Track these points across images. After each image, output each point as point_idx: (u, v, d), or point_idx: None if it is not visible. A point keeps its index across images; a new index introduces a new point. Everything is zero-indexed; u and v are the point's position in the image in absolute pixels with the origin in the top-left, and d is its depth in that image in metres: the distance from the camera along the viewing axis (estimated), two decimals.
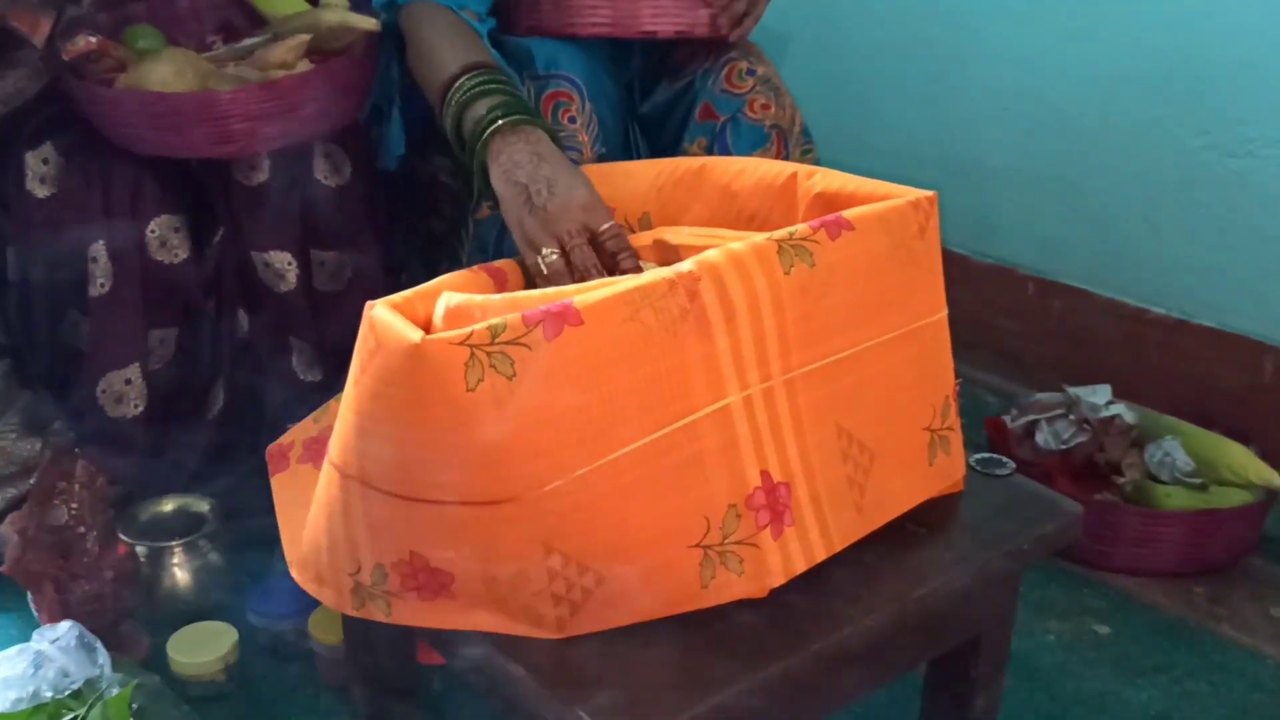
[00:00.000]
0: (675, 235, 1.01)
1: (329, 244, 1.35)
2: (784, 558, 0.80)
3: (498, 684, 0.80)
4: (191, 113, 1.20)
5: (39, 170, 1.26)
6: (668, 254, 0.99)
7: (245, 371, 1.37)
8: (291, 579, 0.88)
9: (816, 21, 2.10)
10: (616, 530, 0.77)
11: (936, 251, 0.93)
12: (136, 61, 1.24)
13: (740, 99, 1.37)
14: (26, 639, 1.04)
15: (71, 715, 0.97)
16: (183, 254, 1.30)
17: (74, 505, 1.14)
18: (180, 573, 1.27)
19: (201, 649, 1.16)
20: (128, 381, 1.30)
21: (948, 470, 0.95)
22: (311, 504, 0.86)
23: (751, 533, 0.79)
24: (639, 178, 1.10)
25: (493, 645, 0.80)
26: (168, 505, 1.32)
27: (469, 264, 1.24)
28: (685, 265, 0.78)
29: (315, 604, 1.01)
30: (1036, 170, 1.84)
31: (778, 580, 0.80)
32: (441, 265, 1.39)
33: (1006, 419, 1.60)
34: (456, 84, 1.12)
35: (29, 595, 1.18)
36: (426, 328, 0.76)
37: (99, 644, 1.03)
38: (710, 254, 0.79)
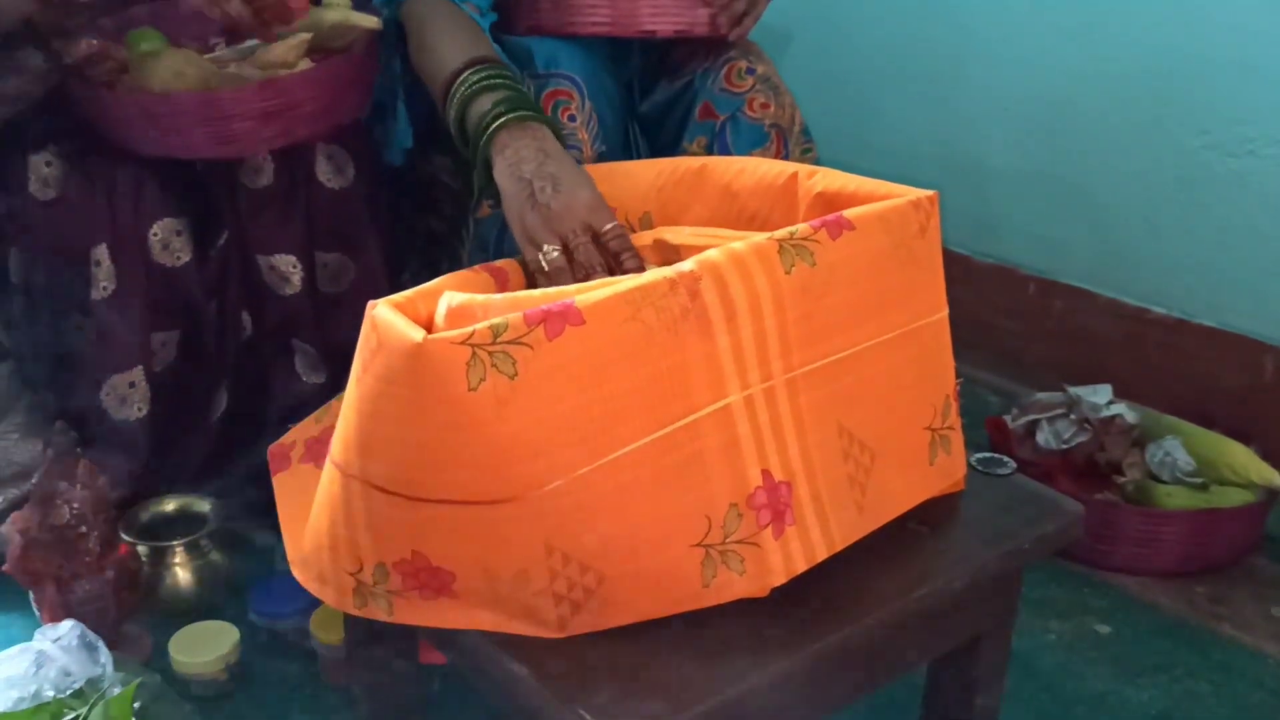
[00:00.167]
0: (676, 235, 1.01)
1: (332, 246, 1.35)
2: (785, 557, 0.81)
3: (499, 683, 0.80)
4: (192, 113, 1.19)
5: (42, 173, 1.26)
6: (668, 254, 1.00)
7: (248, 374, 1.37)
8: (293, 578, 0.88)
9: (816, 21, 2.10)
10: (618, 529, 0.77)
11: (937, 251, 0.93)
12: (138, 63, 1.24)
13: (740, 98, 1.37)
14: (28, 638, 1.04)
15: (73, 715, 0.97)
16: (185, 257, 1.29)
17: (75, 505, 1.15)
18: (182, 572, 1.27)
19: (203, 648, 1.16)
20: (131, 385, 1.30)
21: (948, 470, 0.95)
22: (313, 503, 0.86)
23: (753, 532, 0.79)
24: (639, 177, 1.10)
25: (494, 644, 0.80)
26: (169, 505, 1.32)
27: (470, 263, 1.24)
28: (686, 265, 0.78)
29: (317, 603, 1.01)
30: (1036, 170, 1.84)
31: (779, 579, 0.80)
32: (442, 265, 1.39)
33: (1007, 418, 1.60)
34: (460, 78, 1.12)
35: (31, 595, 1.18)
36: (428, 327, 0.77)
37: (101, 643, 1.03)
38: (711, 253, 0.79)
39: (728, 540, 0.78)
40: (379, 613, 0.83)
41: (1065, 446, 1.53)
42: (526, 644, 0.79)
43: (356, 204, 1.35)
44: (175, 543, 1.27)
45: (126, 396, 1.30)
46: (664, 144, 1.44)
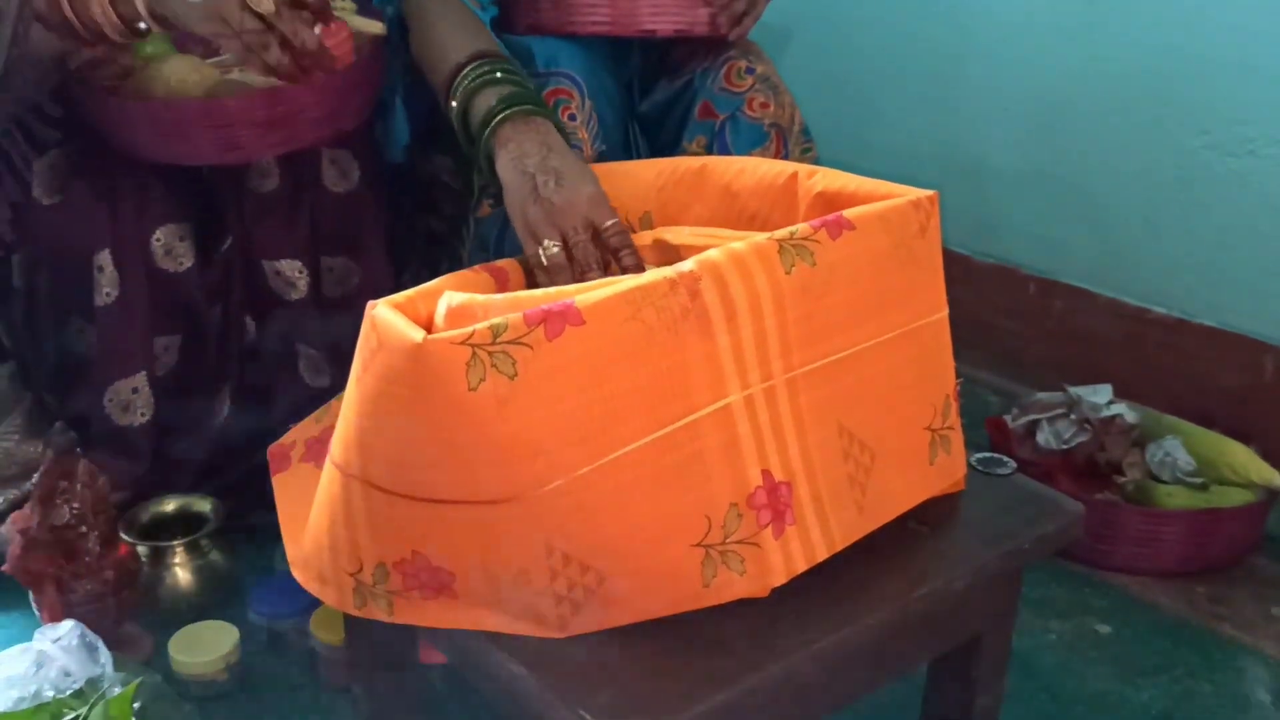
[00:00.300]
0: (676, 235, 1.01)
1: (337, 249, 1.35)
2: (785, 557, 0.81)
3: (499, 683, 0.80)
4: (196, 120, 1.19)
5: (45, 178, 1.26)
6: (668, 253, 1.00)
7: (251, 378, 1.37)
8: (293, 578, 0.88)
9: (816, 21, 2.10)
10: (618, 529, 0.77)
11: (937, 251, 0.93)
12: (142, 69, 1.23)
13: (739, 97, 1.37)
14: (28, 638, 1.04)
15: (73, 714, 0.97)
16: (187, 263, 1.29)
17: (76, 505, 1.14)
18: (182, 572, 1.27)
19: (203, 648, 1.16)
20: (134, 390, 1.30)
21: (949, 469, 0.95)
22: (313, 503, 0.86)
23: (753, 532, 0.79)
24: (639, 177, 1.10)
25: (494, 644, 0.80)
26: (169, 505, 1.32)
27: (470, 263, 1.24)
28: (686, 265, 0.78)
29: (317, 603, 1.01)
30: (1036, 170, 1.84)
31: (779, 579, 0.80)
32: (442, 264, 1.39)
33: (1007, 418, 1.60)
34: (463, 72, 1.12)
35: (30, 595, 1.18)
36: (428, 327, 0.77)
37: (101, 643, 1.03)
38: (711, 253, 0.79)
39: (728, 540, 0.78)
40: (379, 613, 0.83)
41: (1065, 446, 1.53)
42: (527, 644, 0.79)
43: (361, 207, 1.35)
44: (175, 543, 1.27)
45: (129, 402, 1.29)
46: (664, 143, 1.44)
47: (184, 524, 1.31)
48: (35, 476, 1.15)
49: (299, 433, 1.04)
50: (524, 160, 1.03)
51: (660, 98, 1.44)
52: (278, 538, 0.94)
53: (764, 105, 1.36)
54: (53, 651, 1.01)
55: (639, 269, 0.98)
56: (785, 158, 1.38)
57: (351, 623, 1.02)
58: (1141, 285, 1.74)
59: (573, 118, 1.30)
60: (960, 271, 1.79)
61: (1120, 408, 1.54)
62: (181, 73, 1.21)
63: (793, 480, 0.81)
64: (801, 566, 0.81)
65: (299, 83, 1.12)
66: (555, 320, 0.73)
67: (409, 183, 1.45)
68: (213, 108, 1.18)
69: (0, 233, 1.27)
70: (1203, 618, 1.36)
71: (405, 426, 0.76)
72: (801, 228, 0.84)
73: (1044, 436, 1.55)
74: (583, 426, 0.75)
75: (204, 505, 1.32)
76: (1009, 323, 1.91)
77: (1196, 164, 1.63)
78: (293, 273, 1.32)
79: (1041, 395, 1.61)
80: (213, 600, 1.27)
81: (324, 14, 1.06)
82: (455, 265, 1.27)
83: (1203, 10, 1.59)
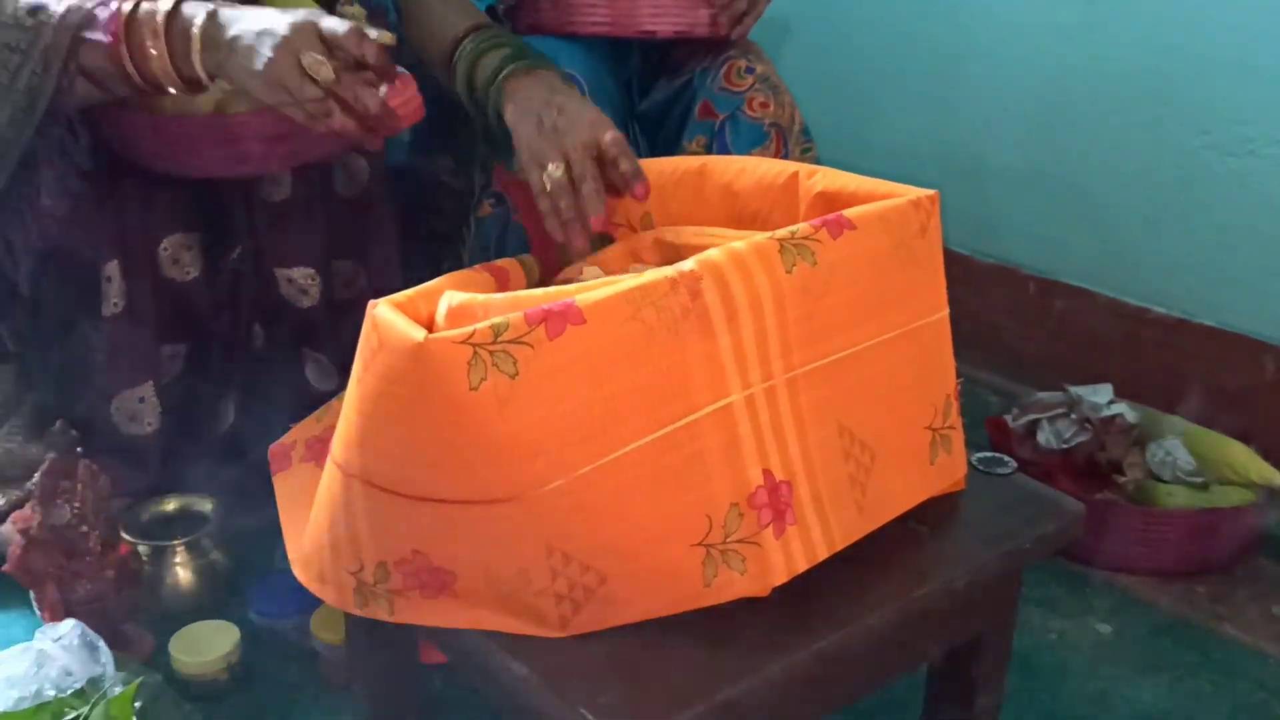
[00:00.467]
0: (677, 235, 1.01)
1: (345, 253, 1.35)
2: (786, 556, 0.81)
3: (500, 683, 0.80)
4: (204, 135, 1.17)
5: (54, 186, 1.25)
6: (669, 253, 1.00)
7: (258, 384, 1.37)
8: (294, 578, 0.88)
9: (817, 20, 2.10)
10: (619, 529, 0.77)
11: (938, 250, 0.93)
12: None
13: (739, 97, 1.37)
14: (29, 638, 1.04)
15: (74, 714, 0.97)
16: (194, 272, 1.29)
17: (76, 504, 1.14)
18: (182, 571, 1.27)
19: (204, 648, 1.16)
20: (141, 400, 1.29)
21: (949, 469, 0.95)
22: (314, 503, 0.87)
23: (753, 531, 0.79)
24: None
25: (495, 644, 0.80)
26: (170, 504, 1.32)
27: (471, 263, 1.24)
28: (687, 264, 0.78)
29: (318, 603, 1.01)
30: (1037, 170, 1.84)
31: (780, 579, 0.80)
32: (443, 264, 1.39)
33: (1008, 418, 1.60)
34: (464, 42, 1.19)
35: (31, 594, 1.18)
36: (429, 327, 0.77)
37: (101, 643, 1.03)
38: (712, 253, 0.79)
39: (728, 540, 0.79)
40: (380, 612, 0.83)
41: (1066, 446, 1.53)
42: (528, 643, 0.79)
43: (370, 209, 1.35)
44: (176, 542, 1.27)
45: (136, 412, 1.29)
46: (663, 143, 1.44)
47: (185, 523, 1.31)
48: (36, 476, 1.15)
49: (300, 432, 1.05)
50: (530, 104, 1.09)
51: (660, 97, 1.44)
52: (278, 537, 0.94)
53: (764, 105, 1.37)
54: (53, 651, 1.01)
55: (632, 168, 1.04)
56: (785, 157, 1.38)
57: (352, 622, 1.02)
58: (1142, 285, 1.74)
59: None
60: (960, 271, 1.78)
61: (1120, 407, 1.54)
62: None
63: (793, 480, 0.81)
64: (802, 566, 0.81)
65: (371, 147, 1.08)
66: (556, 319, 0.73)
67: (409, 183, 1.46)
68: (221, 122, 1.17)
69: (14, 262, 1.26)
70: (1203, 617, 1.36)
71: (406, 426, 0.76)
72: (802, 227, 0.84)
73: (1044, 436, 1.55)
74: (584, 426, 0.75)
75: (204, 505, 1.32)
76: (1009, 323, 1.91)
77: (1196, 164, 1.64)
78: (305, 280, 1.32)
79: (1042, 395, 1.61)
80: (213, 600, 1.27)
81: (387, 73, 1.02)
82: (456, 265, 1.27)
83: (1203, 10, 1.59)
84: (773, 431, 0.81)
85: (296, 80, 0.98)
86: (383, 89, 1.01)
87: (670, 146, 1.42)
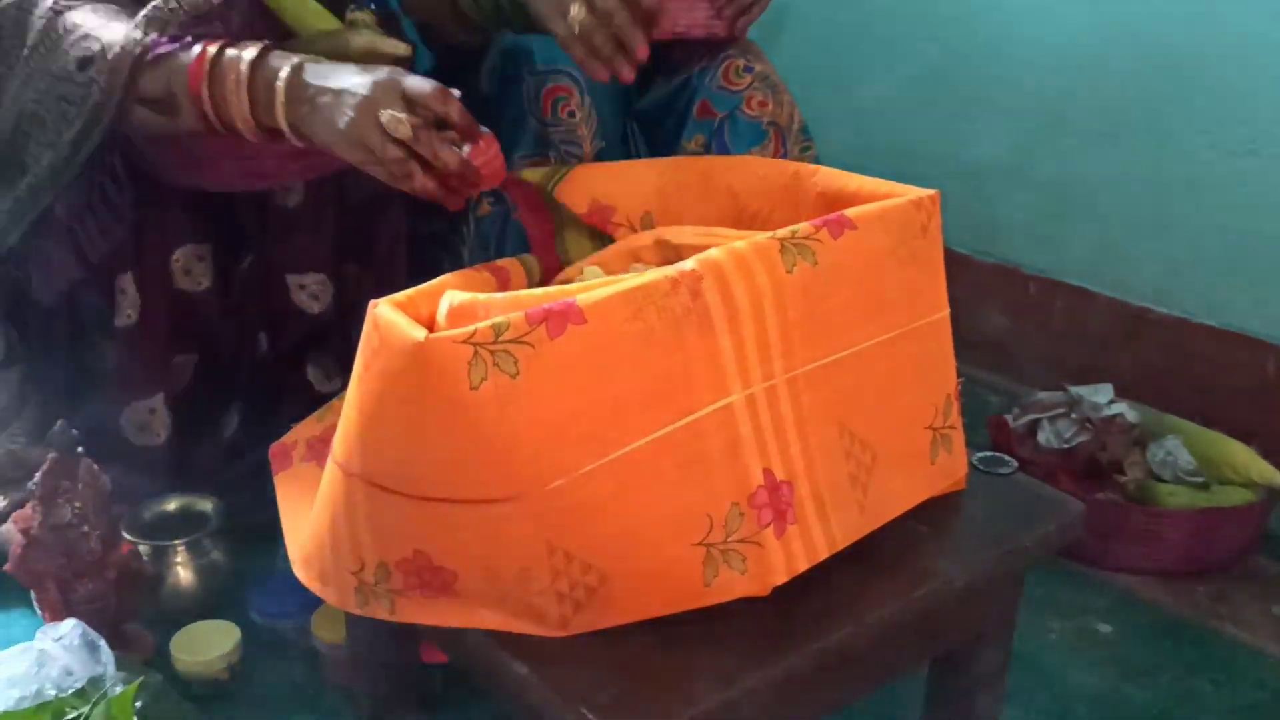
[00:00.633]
0: (678, 235, 1.01)
1: (353, 256, 1.35)
2: (787, 556, 0.81)
3: (501, 682, 0.80)
4: (223, 152, 1.18)
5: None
6: (670, 253, 1.00)
7: (260, 390, 1.36)
8: (295, 577, 0.88)
9: (816, 20, 2.10)
10: (619, 528, 0.77)
11: (938, 250, 0.93)
12: None
13: (738, 95, 1.37)
14: (30, 638, 1.04)
15: (75, 713, 0.97)
16: (205, 282, 1.29)
17: (77, 504, 1.15)
18: (183, 571, 1.27)
19: (205, 648, 1.16)
20: (151, 411, 1.29)
21: (950, 469, 0.95)
22: (315, 502, 0.87)
23: (754, 531, 0.79)
24: (641, 177, 1.10)
25: (496, 643, 0.80)
26: (171, 504, 1.32)
27: (471, 262, 1.25)
28: (688, 264, 0.78)
29: (318, 602, 1.01)
30: (1037, 170, 1.84)
31: (780, 579, 0.80)
32: (443, 264, 1.39)
33: (1008, 418, 1.60)
34: None
35: (32, 594, 1.18)
36: (430, 326, 0.77)
37: (102, 642, 1.03)
38: (713, 253, 0.79)
39: (729, 539, 0.79)
40: (381, 612, 0.83)
41: (1066, 446, 1.53)
42: (528, 643, 0.79)
43: (379, 211, 1.35)
44: (177, 542, 1.27)
45: (146, 423, 1.29)
46: (662, 141, 1.44)
47: (185, 523, 1.31)
48: (37, 476, 1.15)
49: (300, 432, 1.05)
50: None
51: (658, 96, 1.44)
52: (279, 537, 0.94)
53: (762, 104, 1.37)
54: (54, 650, 1.01)
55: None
56: (784, 156, 1.38)
57: (353, 622, 1.02)
58: (1142, 285, 1.74)
59: (572, 114, 1.30)
60: (960, 271, 1.79)
61: (1121, 407, 1.54)
62: None
63: (794, 479, 0.81)
64: (803, 566, 0.81)
65: (451, 208, 1.04)
66: (557, 319, 0.73)
67: None
68: (234, 141, 1.17)
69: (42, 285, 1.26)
70: (1204, 617, 1.36)
71: (407, 425, 0.76)
72: (803, 227, 0.84)
73: (1045, 436, 1.55)
74: (585, 425, 0.75)
75: (206, 504, 1.32)
76: (1010, 322, 1.91)
77: (1197, 164, 1.63)
78: (317, 286, 1.32)
79: (1042, 395, 1.61)
80: (214, 599, 1.27)
81: (470, 133, 1.01)
82: (456, 265, 1.27)
83: (1204, 10, 1.59)
84: (774, 431, 0.81)
85: (378, 139, 0.97)
86: (465, 148, 1.00)
87: (669, 145, 1.42)
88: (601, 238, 1.10)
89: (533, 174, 1.11)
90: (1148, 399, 1.61)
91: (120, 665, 1.04)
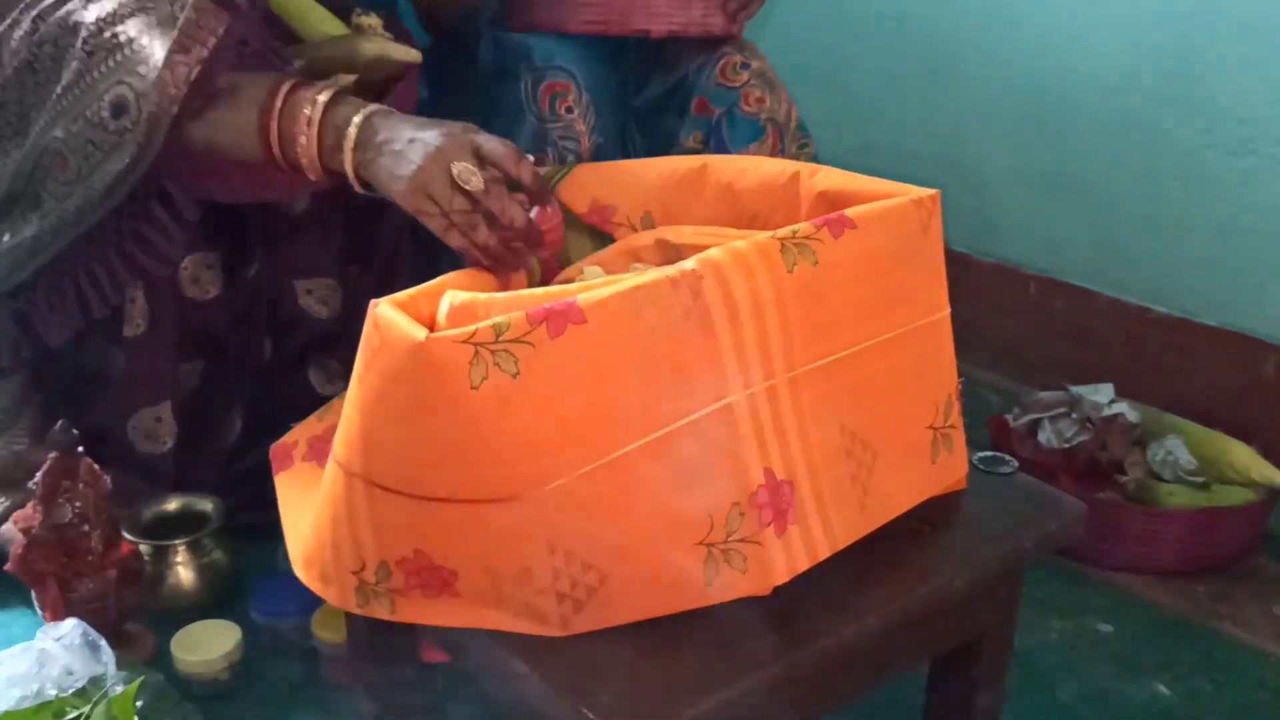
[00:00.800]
0: (678, 234, 1.01)
1: (356, 259, 1.35)
2: (787, 556, 0.81)
3: (501, 682, 0.80)
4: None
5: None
6: (670, 253, 1.00)
7: (263, 395, 1.36)
8: (295, 577, 0.88)
9: (816, 19, 2.10)
10: (620, 528, 0.77)
11: (939, 250, 0.93)
12: None
13: (735, 92, 1.37)
14: (31, 637, 1.04)
15: (76, 713, 0.97)
16: (214, 290, 1.28)
17: (78, 504, 1.15)
18: (184, 571, 1.27)
19: (205, 647, 1.16)
20: (158, 419, 1.29)
21: (950, 468, 0.95)
22: (315, 502, 0.87)
23: (755, 530, 0.79)
24: (641, 177, 1.10)
25: (496, 643, 0.80)
26: (171, 504, 1.32)
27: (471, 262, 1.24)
28: (688, 264, 0.78)
29: (319, 602, 1.01)
30: (1037, 169, 1.84)
31: (781, 578, 0.80)
32: (443, 263, 1.39)
33: (1009, 417, 1.60)
34: None
35: (33, 593, 1.18)
36: (430, 326, 0.77)
37: (103, 642, 1.03)
38: (713, 252, 0.79)
39: (730, 539, 0.79)
40: (381, 611, 0.83)
41: (1067, 445, 1.53)
42: (529, 643, 0.79)
43: (382, 216, 1.35)
44: (178, 541, 1.27)
45: (152, 430, 1.29)
46: (659, 138, 1.44)
47: (186, 523, 1.31)
48: (37, 475, 1.15)
49: (301, 431, 1.05)
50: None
51: (655, 93, 1.44)
52: (280, 536, 0.94)
53: (760, 100, 1.37)
54: (55, 650, 1.01)
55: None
56: (782, 153, 1.39)
57: (353, 621, 1.02)
58: (1143, 284, 1.74)
59: (570, 110, 1.30)
60: (961, 270, 1.78)
61: (1121, 407, 1.54)
62: None
63: (795, 479, 0.81)
64: (803, 565, 0.81)
65: (505, 267, 1.00)
66: (557, 319, 0.74)
67: None
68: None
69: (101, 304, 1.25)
70: (1204, 617, 1.36)
71: (408, 425, 0.76)
72: (803, 226, 0.84)
73: (1045, 435, 1.55)
74: (585, 425, 0.75)
75: (206, 504, 1.32)
76: (1010, 321, 1.91)
77: (1197, 163, 1.63)
78: (324, 291, 1.32)
79: (1043, 394, 1.61)
80: (215, 599, 1.27)
81: (539, 197, 1.00)
82: (456, 264, 1.26)
83: (1204, 9, 1.59)
84: (774, 431, 0.81)
85: (445, 189, 0.97)
86: (533, 210, 0.99)
87: (666, 141, 1.42)
88: (601, 237, 1.10)
89: None
90: (1148, 398, 1.61)
91: (121, 665, 1.04)
